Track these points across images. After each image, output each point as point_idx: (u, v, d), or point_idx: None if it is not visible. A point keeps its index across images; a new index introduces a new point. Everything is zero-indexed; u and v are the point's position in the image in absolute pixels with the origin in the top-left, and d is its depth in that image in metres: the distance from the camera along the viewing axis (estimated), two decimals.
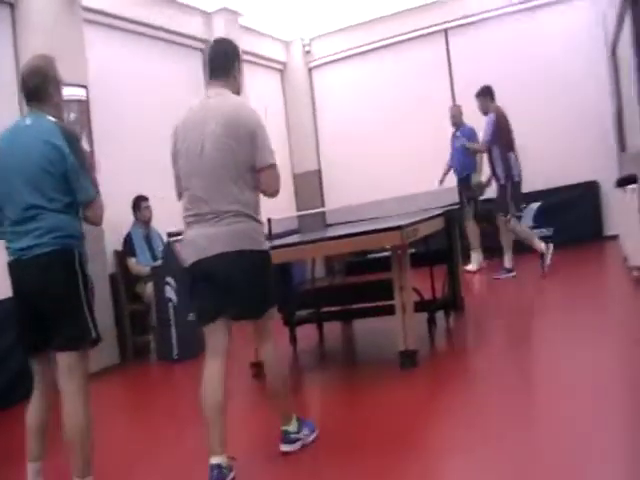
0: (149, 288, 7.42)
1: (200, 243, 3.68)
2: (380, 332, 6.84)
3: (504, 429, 3.76)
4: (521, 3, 10.84)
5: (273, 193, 3.84)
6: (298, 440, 3.98)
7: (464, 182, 9.45)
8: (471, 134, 9.60)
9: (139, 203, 7.89)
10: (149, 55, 9.19)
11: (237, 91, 3.97)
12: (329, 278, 8.02)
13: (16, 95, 6.56)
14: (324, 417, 4.39)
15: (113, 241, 7.65)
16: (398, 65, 11.93)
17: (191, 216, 3.74)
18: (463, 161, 9.58)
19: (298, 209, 12.04)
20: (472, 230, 9.48)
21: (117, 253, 7.77)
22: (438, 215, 6.34)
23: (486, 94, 8.86)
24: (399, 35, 11.86)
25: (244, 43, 10.66)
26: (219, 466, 3.52)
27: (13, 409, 5.72)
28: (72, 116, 7.03)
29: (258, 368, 5.70)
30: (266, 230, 7.20)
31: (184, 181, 3.78)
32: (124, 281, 7.71)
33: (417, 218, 5.99)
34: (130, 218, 7.89)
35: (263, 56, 12.11)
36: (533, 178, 10.06)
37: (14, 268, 3.41)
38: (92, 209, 3.37)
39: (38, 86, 3.49)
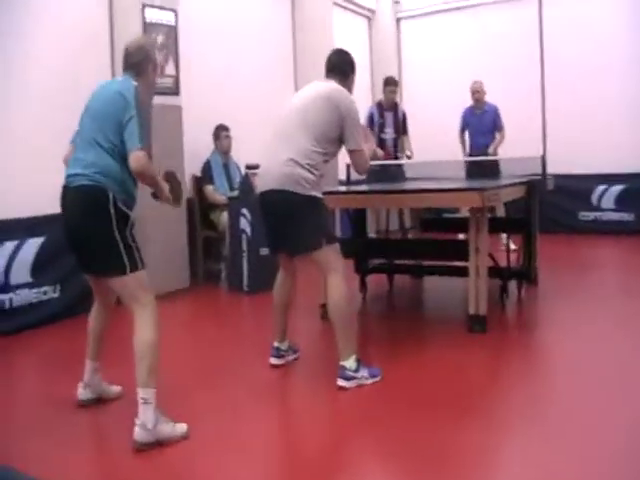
0: (224, 217, 7.48)
1: (266, 178, 4.36)
2: (450, 292, 6.84)
3: (565, 408, 3.72)
4: None
5: (360, 172, 4.65)
6: (354, 379, 4.15)
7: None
8: (495, 114, 9.43)
9: (219, 132, 7.92)
10: None
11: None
12: (403, 231, 8.00)
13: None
14: (387, 367, 4.40)
15: (192, 167, 7.71)
16: (488, 26, 11.62)
17: (271, 151, 4.37)
18: (489, 140, 9.39)
19: None
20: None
21: (195, 178, 7.83)
22: (520, 183, 6.25)
23: None
24: None
25: None
26: (278, 349, 4.63)
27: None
28: (160, 39, 7.06)
29: (326, 309, 5.80)
30: (344, 175, 7.23)
31: (275, 125, 4.48)
32: (200, 207, 7.78)
33: (499, 182, 5.93)
34: (211, 145, 7.93)
35: (351, 1, 11.91)
36: (618, 158, 9.88)
37: (63, 193, 3.65)
38: (134, 159, 3.43)
39: (139, 62, 3.82)
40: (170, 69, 7.20)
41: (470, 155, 9.30)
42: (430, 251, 6.61)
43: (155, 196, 3.79)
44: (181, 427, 3.49)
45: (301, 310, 5.74)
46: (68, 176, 3.60)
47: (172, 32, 7.23)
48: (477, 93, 9.33)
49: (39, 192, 5.91)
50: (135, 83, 3.65)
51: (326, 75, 4.65)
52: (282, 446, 3.58)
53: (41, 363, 5.13)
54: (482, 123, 9.36)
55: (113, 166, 3.50)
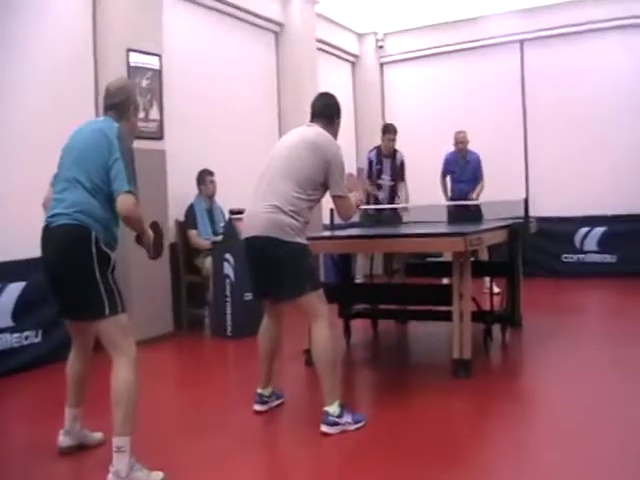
0: (208, 262, 7.46)
1: (249, 221, 4.40)
2: (434, 336, 6.83)
3: (551, 455, 3.67)
4: (606, 21, 10.54)
5: (343, 218, 4.68)
6: (338, 425, 4.11)
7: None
8: (477, 163, 9.46)
9: (204, 177, 7.92)
10: (223, 32, 9.16)
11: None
12: (387, 276, 8.00)
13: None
14: (371, 413, 4.38)
15: (176, 211, 7.69)
16: (471, 71, 11.77)
17: (256, 196, 4.39)
18: (470, 188, 9.40)
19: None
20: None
21: (179, 223, 7.82)
22: (503, 227, 6.27)
23: None
24: (474, 41, 11.69)
25: (318, 31, 10.80)
26: (261, 395, 4.60)
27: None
28: (145, 83, 7.10)
29: (310, 354, 5.77)
30: (327, 220, 7.24)
31: (261, 172, 4.48)
32: (183, 252, 7.76)
33: (482, 227, 5.96)
34: (194, 190, 7.92)
35: (336, 46, 12.05)
36: (600, 201, 9.98)
37: (43, 233, 3.60)
38: (122, 202, 3.42)
39: (121, 103, 3.81)
40: (154, 113, 7.22)
41: (452, 200, 9.34)
42: (414, 296, 6.61)
43: (138, 240, 3.76)
44: (157, 475, 3.44)
45: (285, 355, 5.71)
46: (49, 216, 3.56)
47: (156, 76, 7.27)
48: (461, 143, 9.37)
49: (20, 236, 5.87)
50: (117, 124, 3.64)
51: (311, 120, 4.68)
52: None
53: (22, 408, 5.07)
54: (465, 172, 9.41)
55: (95, 206, 3.47)
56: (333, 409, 4.12)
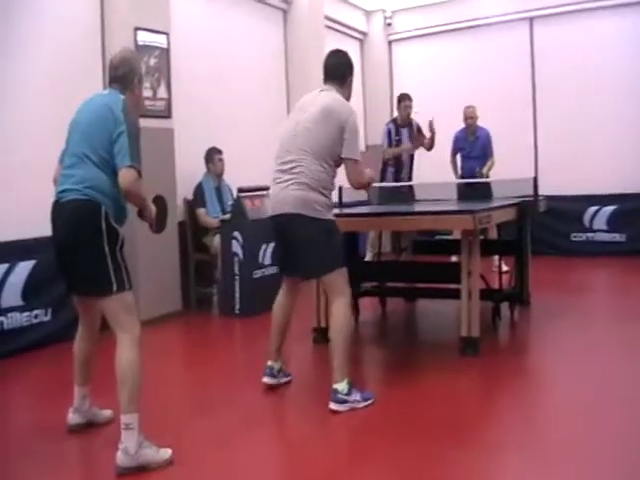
0: (216, 240, 7.46)
1: (277, 198, 4.40)
2: (443, 314, 6.83)
3: (559, 433, 3.70)
4: None
5: (354, 184, 4.54)
6: (346, 402, 4.14)
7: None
8: (487, 139, 9.39)
9: (212, 155, 7.89)
10: (231, 10, 9.10)
11: (346, 98, 4.56)
12: (395, 254, 8.00)
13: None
14: (379, 391, 4.38)
15: (184, 190, 7.69)
16: (479, 49, 11.65)
17: (278, 169, 4.43)
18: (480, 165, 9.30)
19: None
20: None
21: (187, 202, 7.81)
22: (512, 205, 6.25)
23: None
24: (483, 18, 11.56)
25: (326, 8, 10.72)
26: (271, 367, 4.61)
27: None
28: (152, 61, 7.07)
29: (318, 333, 5.84)
30: (336, 198, 7.22)
31: (279, 147, 4.49)
32: (192, 230, 7.75)
33: (491, 205, 5.94)
34: (202, 168, 7.91)
35: (344, 23, 11.98)
36: (609, 180, 9.92)
37: (53, 208, 3.62)
38: (122, 176, 3.43)
39: (124, 75, 3.80)
40: (162, 92, 7.20)
41: (462, 178, 9.29)
42: (422, 274, 6.60)
43: (140, 215, 3.76)
44: (165, 452, 3.47)
45: (294, 334, 5.72)
46: (58, 192, 3.59)
47: (164, 55, 7.24)
48: (470, 119, 9.30)
49: (31, 215, 5.89)
50: (123, 96, 3.66)
51: (324, 81, 4.61)
52: (271, 473, 3.54)
53: (32, 387, 5.10)
54: (474, 148, 9.33)
55: (104, 180, 3.49)
56: (342, 387, 4.14)
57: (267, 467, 3.57)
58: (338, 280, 4.30)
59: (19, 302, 5.74)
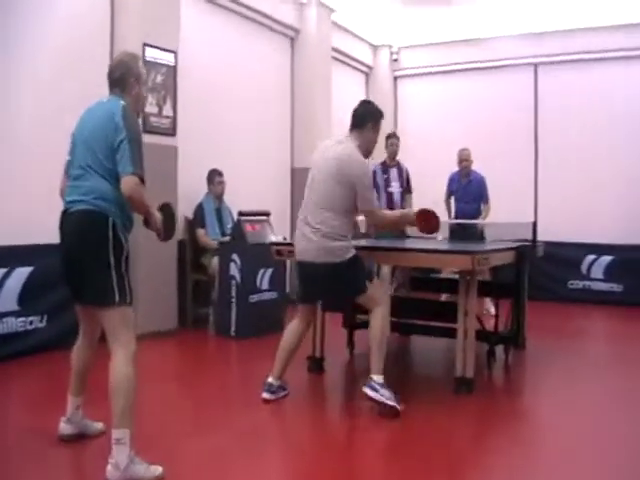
0: (214, 262, 7.43)
1: (301, 246, 4.84)
2: (436, 351, 6.81)
3: (551, 475, 3.67)
4: (620, 50, 10.52)
5: (378, 227, 5.70)
6: (377, 392, 4.60)
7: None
8: (482, 184, 9.26)
9: (213, 177, 7.89)
10: (240, 34, 9.16)
11: (367, 146, 4.96)
12: (393, 289, 7.97)
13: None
14: (371, 427, 4.36)
15: (185, 208, 7.66)
16: (484, 91, 11.74)
17: (301, 220, 4.88)
18: (474, 209, 9.21)
19: None
20: None
21: (187, 221, 7.80)
22: (510, 248, 6.24)
23: None
24: (488, 61, 11.67)
25: (334, 39, 10.82)
26: (271, 384, 4.87)
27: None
28: (159, 79, 7.12)
29: (312, 362, 5.84)
30: None
31: (304, 199, 4.94)
32: (191, 250, 7.73)
33: (490, 247, 5.94)
34: (204, 188, 7.91)
35: (351, 56, 12.07)
36: (608, 230, 9.97)
37: (61, 218, 3.68)
38: (124, 183, 3.46)
39: (120, 77, 3.84)
40: (168, 110, 7.22)
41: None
42: (418, 310, 6.59)
43: (146, 223, 3.75)
44: (155, 469, 3.43)
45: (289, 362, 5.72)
46: (67, 202, 3.63)
47: (171, 72, 7.28)
48: (465, 162, 9.23)
49: (30, 221, 5.88)
50: (123, 102, 3.67)
51: (351, 128, 5.00)
52: None
53: (24, 393, 5.07)
54: (468, 192, 9.26)
55: (111, 190, 3.52)
56: (377, 377, 4.65)
57: None
58: (372, 294, 4.83)
59: (15, 307, 5.71)
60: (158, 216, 3.76)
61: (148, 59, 6.92)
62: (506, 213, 8.93)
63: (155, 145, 6.93)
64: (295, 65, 10.33)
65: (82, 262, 3.53)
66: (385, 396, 4.57)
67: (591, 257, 10.20)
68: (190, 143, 7.65)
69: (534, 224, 6.85)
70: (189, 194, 7.69)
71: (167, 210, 3.89)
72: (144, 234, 6.20)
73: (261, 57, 9.61)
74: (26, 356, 5.70)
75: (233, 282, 7.09)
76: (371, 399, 4.58)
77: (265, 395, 4.83)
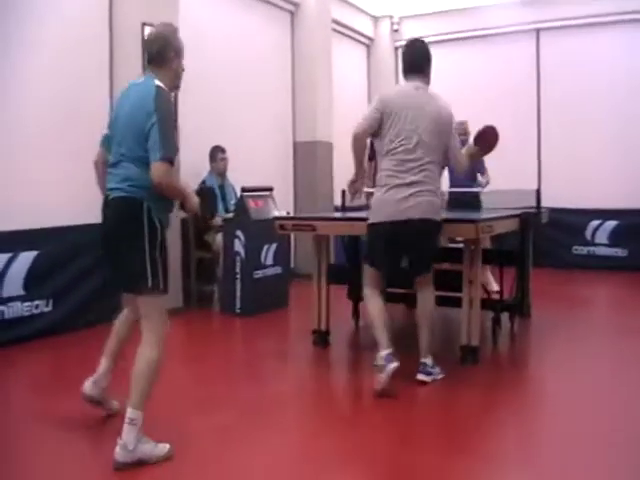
0: (218, 239, 7.45)
1: (396, 207, 4.58)
2: (442, 322, 6.81)
3: (558, 446, 3.66)
4: (621, 14, 10.40)
5: (463, 170, 5.21)
6: (431, 374, 4.76)
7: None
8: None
9: (215, 154, 7.90)
10: (239, 10, 9.12)
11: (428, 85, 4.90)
12: None
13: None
14: (377, 399, 4.39)
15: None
16: (486, 58, 11.66)
17: (395, 182, 4.61)
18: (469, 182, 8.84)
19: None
20: None
21: None
22: (514, 215, 6.24)
23: None
24: (490, 28, 11.55)
25: (334, 12, 10.73)
26: (389, 354, 4.56)
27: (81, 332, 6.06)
28: None
29: (317, 335, 5.86)
30: (339, 202, 7.21)
31: (393, 144, 4.65)
32: (194, 228, 7.72)
33: (493, 215, 5.94)
34: (207, 166, 7.91)
35: (351, 28, 11.98)
36: (612, 195, 9.93)
37: (102, 204, 3.74)
38: (153, 171, 3.46)
39: (159, 51, 3.74)
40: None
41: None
42: None
43: (183, 207, 3.81)
44: (163, 447, 3.49)
45: (294, 336, 5.76)
46: (108, 189, 3.69)
47: None
48: (462, 135, 9.08)
49: (34, 205, 5.90)
50: (157, 83, 3.62)
51: (410, 71, 4.88)
52: (270, 469, 3.51)
53: (31, 377, 5.10)
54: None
55: (144, 177, 3.53)
56: (429, 361, 4.77)
57: (267, 463, 3.55)
58: (431, 276, 4.89)
59: (20, 292, 5.74)
60: (196, 200, 3.77)
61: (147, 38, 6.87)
62: (510, 180, 8.93)
63: None
64: (295, 38, 10.28)
65: (118, 247, 3.61)
66: (438, 372, 4.80)
67: (595, 222, 10.23)
68: (191, 122, 7.63)
69: (538, 191, 6.83)
70: (192, 172, 7.68)
71: (205, 194, 3.96)
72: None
73: (261, 31, 9.56)
74: (32, 340, 5.74)
75: (237, 258, 7.12)
76: (427, 383, 4.69)
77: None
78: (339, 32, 11.47)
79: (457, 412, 4.31)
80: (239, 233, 7.11)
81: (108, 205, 3.66)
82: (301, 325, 5.67)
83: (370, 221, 4.79)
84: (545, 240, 9.59)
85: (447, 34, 11.98)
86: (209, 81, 8.25)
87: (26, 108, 6.05)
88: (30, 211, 5.85)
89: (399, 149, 4.62)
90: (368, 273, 4.92)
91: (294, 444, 3.86)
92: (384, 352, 4.58)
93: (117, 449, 3.36)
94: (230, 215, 7.42)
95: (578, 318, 7.05)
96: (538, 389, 4.86)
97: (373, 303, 4.86)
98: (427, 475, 3.37)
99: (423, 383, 4.64)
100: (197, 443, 3.70)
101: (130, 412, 3.41)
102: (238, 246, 7.11)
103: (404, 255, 4.83)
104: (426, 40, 11.41)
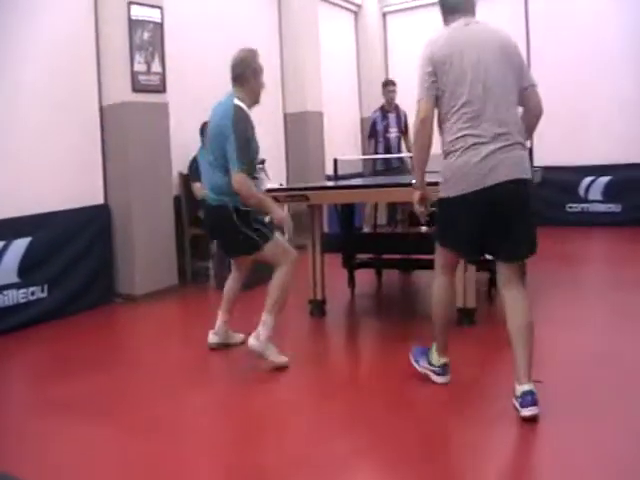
0: None
1: (481, 168, 3.51)
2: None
3: (557, 406, 3.67)
4: None
5: (540, 113, 3.84)
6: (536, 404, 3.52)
7: None
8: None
9: (206, 129, 7.84)
10: None
11: None
12: (391, 226, 7.99)
13: None
14: (376, 363, 4.42)
15: (179, 164, 7.68)
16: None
17: (465, 138, 3.57)
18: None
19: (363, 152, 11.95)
20: None
21: (182, 176, 7.79)
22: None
23: None
24: None
25: None
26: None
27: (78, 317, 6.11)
28: (146, 36, 7.02)
29: (314, 305, 5.90)
30: (332, 171, 7.22)
31: (457, 98, 3.62)
32: (187, 205, 7.75)
33: None
34: (197, 143, 7.88)
35: None
36: (604, 151, 9.90)
37: (202, 202, 4.96)
38: (233, 179, 4.34)
39: (240, 73, 4.62)
40: (156, 66, 7.14)
41: None
42: (417, 246, 6.58)
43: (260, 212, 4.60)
44: (283, 358, 4.48)
45: (290, 306, 5.76)
46: (208, 194, 4.66)
47: (158, 29, 7.18)
48: None
49: (25, 192, 5.89)
50: (236, 102, 4.45)
51: (458, 10, 3.90)
52: (268, 440, 3.55)
53: (28, 364, 5.13)
54: None
55: (227, 183, 4.40)
56: (532, 387, 3.53)
57: (264, 434, 3.60)
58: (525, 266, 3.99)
59: (15, 279, 5.75)
60: (282, 214, 4.60)
61: (133, 17, 6.85)
62: None
63: (146, 103, 6.93)
64: (282, 8, 10.21)
65: (222, 236, 4.79)
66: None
67: (588, 179, 10.23)
68: (181, 99, 7.62)
69: (530, 150, 6.79)
70: (183, 149, 7.67)
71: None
72: (138, 194, 6.28)
73: (247, 5, 9.49)
74: (29, 327, 5.76)
75: None
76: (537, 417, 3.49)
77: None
78: (326, 0, 11.37)
79: (455, 373, 4.31)
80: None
81: (206, 209, 4.74)
82: (297, 296, 5.67)
83: (443, 195, 3.72)
84: (538, 199, 9.46)
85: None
86: (196, 57, 8.21)
87: (12, 94, 6.01)
88: (22, 198, 5.85)
89: (466, 102, 3.58)
90: (442, 255, 3.97)
91: (291, 416, 3.87)
92: (443, 359, 4.06)
93: (250, 339, 4.44)
94: None
95: (574, 275, 7.08)
96: (535, 346, 4.87)
97: (441, 295, 4.01)
98: (425, 436, 3.41)
99: (533, 420, 3.43)
100: (193, 414, 3.77)
101: (264, 315, 4.46)
102: None
103: (494, 237, 3.65)
104: (414, 4, 11.42)
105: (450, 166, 3.63)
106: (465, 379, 4.22)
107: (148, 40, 7.04)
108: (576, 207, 10.31)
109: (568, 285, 6.57)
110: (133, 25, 6.83)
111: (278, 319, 4.66)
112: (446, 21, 3.98)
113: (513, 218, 3.58)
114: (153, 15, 7.11)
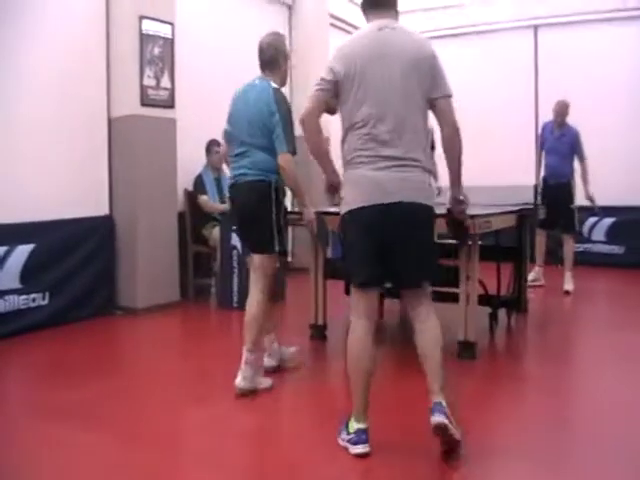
0: (215, 232, 7.46)
1: (375, 188, 3.35)
2: (440, 317, 6.79)
3: (555, 442, 3.67)
4: (619, 11, 10.46)
5: (452, 127, 3.47)
6: (447, 416, 3.41)
7: (565, 188, 8.68)
8: (576, 139, 8.73)
9: (211, 147, 7.86)
10: (236, 4, 9.15)
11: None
12: None
13: None
14: (374, 393, 4.37)
15: (184, 180, 7.68)
16: (483, 55, 11.63)
17: (368, 153, 3.39)
18: (565, 165, 8.83)
19: None
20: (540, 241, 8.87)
21: (187, 192, 7.79)
22: (512, 212, 6.23)
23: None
24: (487, 24, 11.56)
25: (330, 6, 10.91)
26: (363, 431, 3.49)
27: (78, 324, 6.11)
28: (156, 51, 7.08)
29: (315, 329, 5.91)
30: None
31: (357, 118, 3.41)
32: (192, 222, 7.74)
33: (491, 210, 5.93)
34: (203, 160, 7.90)
35: (348, 22, 11.55)
36: (609, 192, 9.91)
37: (232, 188, 4.60)
38: (280, 158, 4.32)
39: (272, 57, 4.55)
40: (165, 82, 7.18)
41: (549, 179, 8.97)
42: None
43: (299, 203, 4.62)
44: (269, 381, 4.51)
45: (291, 330, 5.75)
46: (236, 175, 4.52)
47: (168, 45, 7.23)
48: (560, 115, 8.78)
49: (31, 199, 5.88)
50: (274, 85, 4.45)
51: (374, 7, 3.66)
52: (265, 459, 3.52)
53: (27, 370, 5.11)
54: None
55: (269, 160, 4.37)
56: (443, 400, 3.50)
57: (262, 454, 3.61)
58: (430, 291, 3.64)
59: (17, 285, 5.76)
60: (311, 214, 4.62)
61: (144, 32, 6.90)
62: (507, 176, 8.98)
63: (154, 118, 6.95)
64: (293, 32, 10.29)
65: (251, 221, 4.47)
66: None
67: (592, 219, 10.23)
68: (188, 115, 7.62)
69: (535, 187, 6.84)
70: (188, 166, 7.69)
71: (322, 223, 4.77)
72: (142, 207, 6.26)
73: (258, 25, 9.49)
74: (29, 333, 5.75)
75: (235, 252, 7.12)
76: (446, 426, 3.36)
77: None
78: (337, 26, 11.46)
79: (455, 406, 4.28)
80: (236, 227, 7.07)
81: (239, 189, 4.48)
82: (298, 319, 5.68)
83: (344, 210, 3.48)
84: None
85: (443, 30, 11.88)
86: (206, 74, 8.24)
87: (22, 102, 6.04)
88: (27, 204, 5.84)
89: (366, 122, 3.39)
90: (356, 296, 3.61)
91: (290, 437, 3.90)
92: (360, 425, 3.53)
93: (238, 378, 4.36)
94: (226, 205, 7.40)
95: (575, 314, 7.10)
96: (535, 383, 4.86)
97: (357, 345, 3.60)
98: (425, 469, 3.39)
99: (443, 427, 3.34)
100: (193, 434, 3.76)
101: (245, 352, 4.45)
102: (235, 240, 7.08)
103: (391, 259, 3.45)
104: (429, 35, 11.49)
105: (348, 180, 3.47)
106: (467, 412, 4.19)
107: (158, 55, 7.10)
108: (579, 247, 10.23)
109: (569, 323, 6.70)
110: (144, 39, 6.88)
111: (279, 341, 4.67)
112: (365, 16, 3.72)
113: (409, 241, 3.40)
114: (164, 31, 7.17)
